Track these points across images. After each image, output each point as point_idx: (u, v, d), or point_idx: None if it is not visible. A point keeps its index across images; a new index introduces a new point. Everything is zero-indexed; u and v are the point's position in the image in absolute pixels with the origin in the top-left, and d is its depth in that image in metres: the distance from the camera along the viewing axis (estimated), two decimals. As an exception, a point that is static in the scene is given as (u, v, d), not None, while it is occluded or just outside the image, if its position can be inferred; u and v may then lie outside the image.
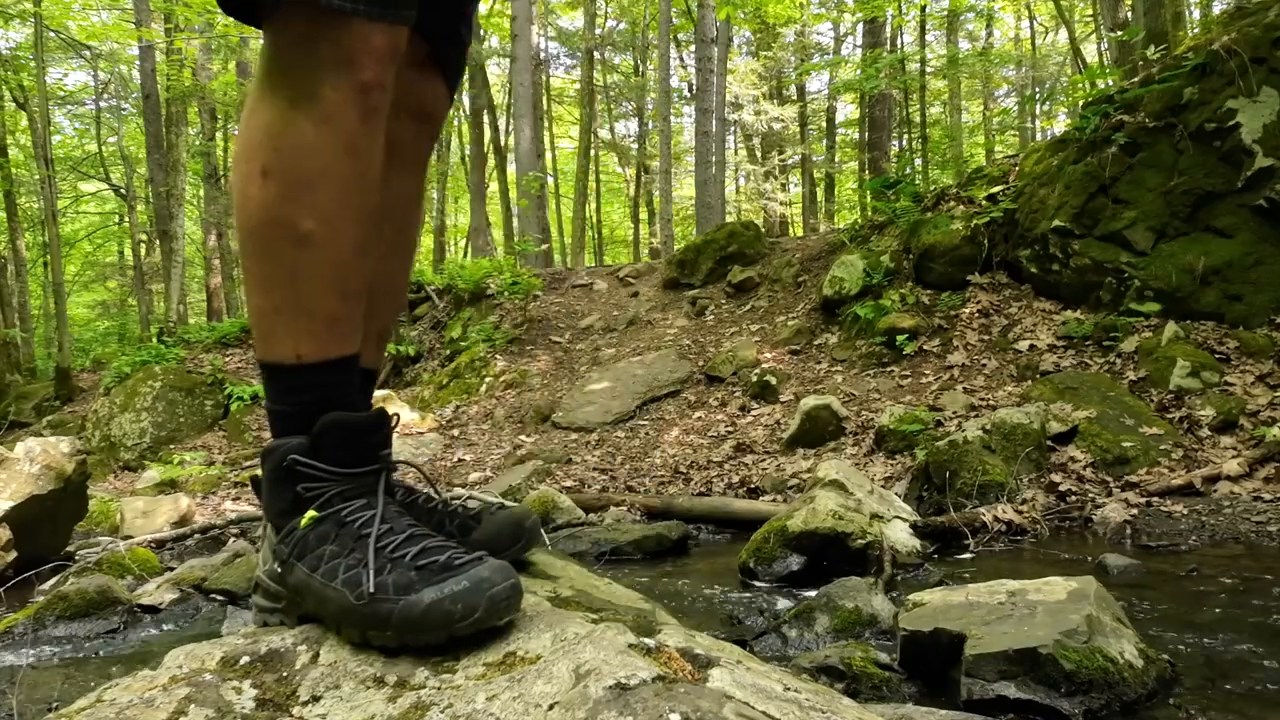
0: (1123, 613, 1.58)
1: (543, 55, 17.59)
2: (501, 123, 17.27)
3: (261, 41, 0.99)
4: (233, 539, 3.93)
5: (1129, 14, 8.89)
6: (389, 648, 0.86)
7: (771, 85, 19.39)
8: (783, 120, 18.35)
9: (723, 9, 11.10)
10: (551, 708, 0.70)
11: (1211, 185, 4.61)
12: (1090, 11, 15.13)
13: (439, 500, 1.17)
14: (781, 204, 19.74)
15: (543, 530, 1.76)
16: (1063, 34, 16.07)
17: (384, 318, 1.20)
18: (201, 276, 18.61)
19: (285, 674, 0.86)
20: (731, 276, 7.51)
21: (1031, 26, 18.33)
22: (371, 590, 0.86)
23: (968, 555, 2.83)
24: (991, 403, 4.53)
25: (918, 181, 8.45)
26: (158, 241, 14.60)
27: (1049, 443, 3.78)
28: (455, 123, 18.18)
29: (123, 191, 17.31)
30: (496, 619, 0.85)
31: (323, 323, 0.95)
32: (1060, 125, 15.48)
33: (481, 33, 15.81)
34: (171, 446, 7.27)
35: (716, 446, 5.12)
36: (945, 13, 15.89)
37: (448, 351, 8.06)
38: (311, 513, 0.92)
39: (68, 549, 3.62)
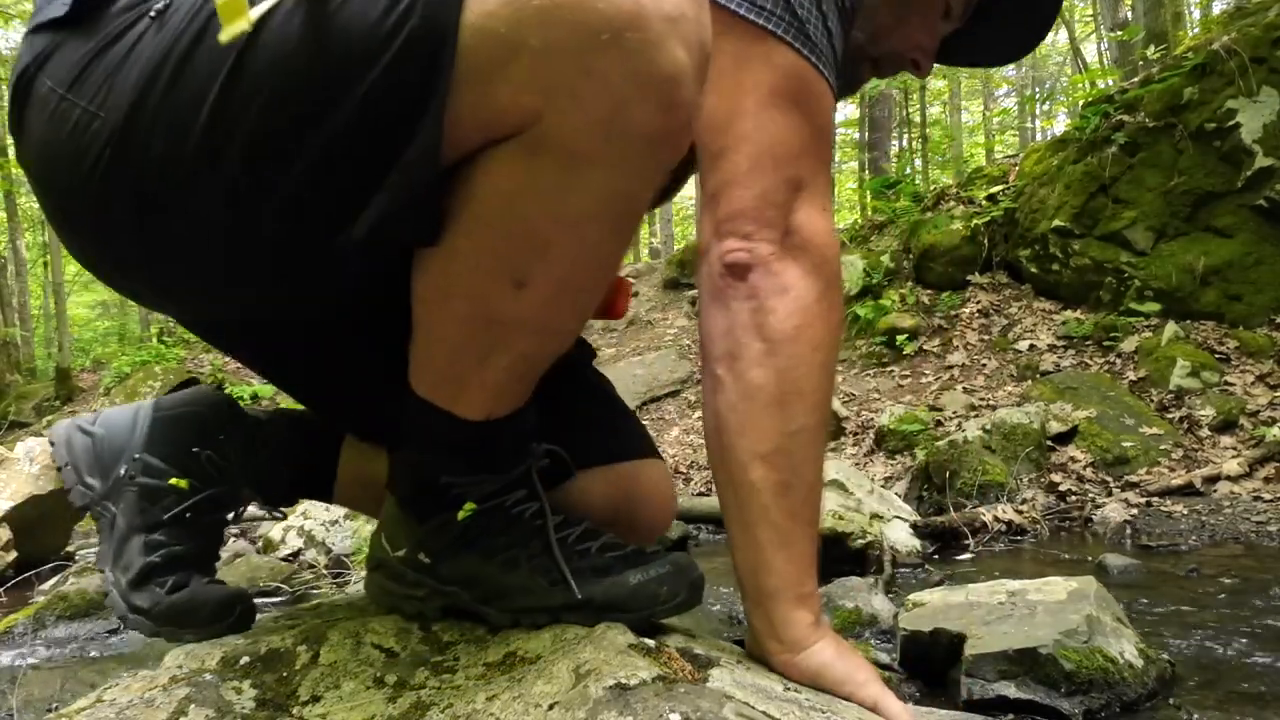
0: (1123, 613, 1.58)
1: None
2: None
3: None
4: (232, 539, 3.93)
5: (1129, 14, 8.89)
6: (390, 651, 0.86)
7: (771, 85, 19.35)
8: (783, 120, 18.31)
9: (723, 9, 11.08)
10: (551, 708, 0.70)
11: (1211, 185, 4.60)
12: (1090, 11, 15.12)
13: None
14: (781, 204, 19.71)
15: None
16: (1063, 34, 16.07)
17: None
18: (201, 276, 18.58)
19: (285, 674, 0.86)
20: (731, 276, 7.51)
21: (1031, 26, 18.29)
22: (571, 579, 0.86)
23: (968, 555, 2.83)
24: (991, 403, 4.53)
25: (918, 181, 8.45)
26: (158, 241, 14.54)
27: (1049, 443, 3.78)
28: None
29: (123, 191, 17.25)
30: (695, 603, 0.88)
31: (527, 387, 0.89)
32: (1060, 125, 15.48)
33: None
34: (171, 446, 7.26)
35: (716, 446, 5.11)
36: (945, 13, 15.86)
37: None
38: (470, 505, 0.89)
39: (68, 549, 3.62)
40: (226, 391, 1.12)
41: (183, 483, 1.03)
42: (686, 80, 0.69)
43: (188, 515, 1.03)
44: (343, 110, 0.70)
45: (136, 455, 1.04)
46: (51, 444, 1.11)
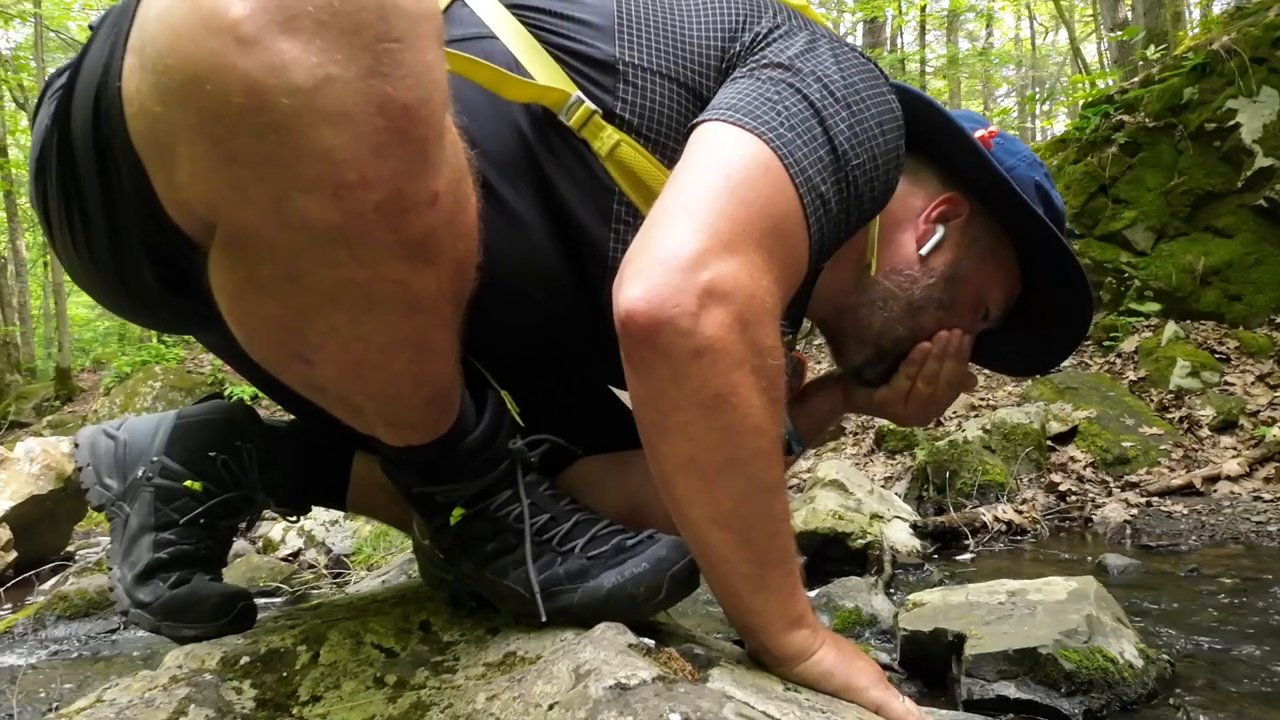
0: (1123, 613, 1.58)
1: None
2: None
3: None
4: (233, 539, 3.92)
5: (1129, 14, 8.90)
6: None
7: (771, 85, 19.33)
8: (783, 120, 18.30)
9: (723, 9, 11.08)
10: (551, 708, 0.70)
11: (1211, 185, 4.61)
12: (1090, 11, 15.13)
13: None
14: (781, 204, 19.69)
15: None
16: (1063, 34, 16.09)
17: None
18: (201, 276, 18.55)
19: (285, 674, 0.86)
20: (731, 276, 7.51)
21: (1031, 26, 18.33)
22: (536, 590, 0.85)
23: (968, 555, 2.83)
24: (991, 403, 4.53)
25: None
26: (158, 241, 14.51)
27: (1049, 443, 3.78)
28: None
29: (123, 191, 17.23)
30: (680, 597, 0.85)
31: (434, 417, 0.84)
32: (1060, 125, 15.48)
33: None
34: (171, 446, 7.26)
35: (716, 446, 5.11)
36: (945, 13, 15.89)
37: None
38: (459, 510, 0.88)
39: (68, 549, 3.62)
40: (248, 403, 1.13)
41: (197, 485, 1.04)
42: (349, 159, 0.57)
43: (201, 520, 1.04)
44: (93, 179, 0.72)
45: (155, 458, 1.05)
46: (76, 445, 1.12)
